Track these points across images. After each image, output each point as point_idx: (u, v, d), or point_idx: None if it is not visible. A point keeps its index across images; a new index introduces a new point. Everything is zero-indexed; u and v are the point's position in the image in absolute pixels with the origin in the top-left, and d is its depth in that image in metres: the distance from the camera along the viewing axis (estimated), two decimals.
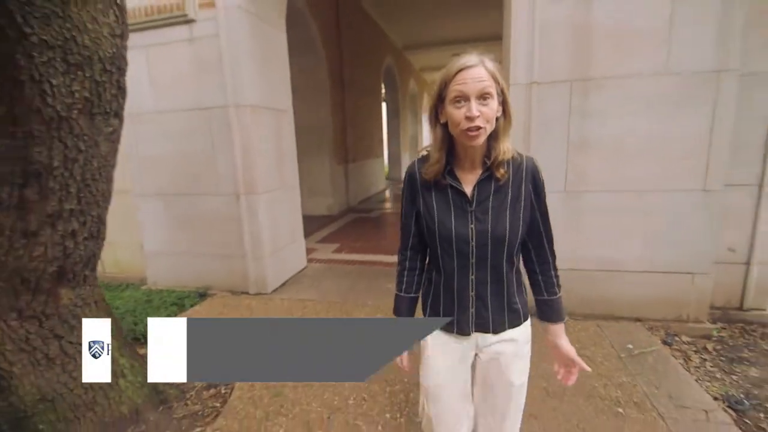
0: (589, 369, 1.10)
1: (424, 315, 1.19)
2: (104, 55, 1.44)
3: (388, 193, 10.42)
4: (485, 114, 0.92)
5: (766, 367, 2.33)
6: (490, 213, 1.02)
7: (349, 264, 4.42)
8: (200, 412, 2.07)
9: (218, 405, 2.10)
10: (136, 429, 1.91)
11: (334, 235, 5.78)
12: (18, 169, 1.39)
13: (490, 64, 0.93)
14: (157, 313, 3.17)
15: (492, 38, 9.45)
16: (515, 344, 1.10)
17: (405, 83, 13.10)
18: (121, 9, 1.50)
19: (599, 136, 2.62)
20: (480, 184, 1.02)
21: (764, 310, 2.86)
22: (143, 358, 2.07)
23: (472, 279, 1.06)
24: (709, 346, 2.56)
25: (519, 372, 1.12)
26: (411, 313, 1.22)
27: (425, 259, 1.21)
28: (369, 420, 1.91)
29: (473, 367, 1.17)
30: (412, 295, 1.21)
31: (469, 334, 1.10)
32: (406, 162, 14.05)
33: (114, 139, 1.65)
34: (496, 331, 1.09)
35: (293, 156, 4.03)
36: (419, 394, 1.23)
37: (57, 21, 1.26)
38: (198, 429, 1.93)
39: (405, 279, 1.20)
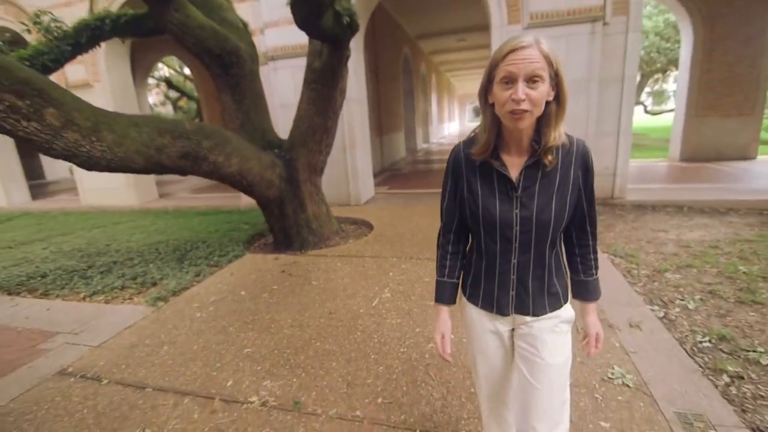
0: (595, 353, 1.14)
1: (464, 292, 1.20)
2: (346, 86, 4.19)
3: (408, 159, 13.14)
4: (532, 97, 0.88)
5: (611, 218, 5.10)
6: (536, 198, 1.00)
7: (399, 194, 7.22)
8: (359, 233, 4.91)
9: (366, 233, 4.92)
10: (337, 235, 4.75)
11: (381, 182, 8.58)
12: (321, 128, 4.16)
13: (545, 46, 0.89)
14: None
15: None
16: (552, 321, 1.09)
17: (417, 67, 15.56)
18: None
19: None
20: (527, 169, 1.00)
21: (624, 198, 5.62)
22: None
23: (514, 263, 1.05)
24: None
25: (554, 349, 1.08)
26: (453, 299, 1.21)
27: (467, 242, 1.20)
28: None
29: (512, 340, 1.16)
30: (455, 280, 1.20)
31: (508, 315, 1.10)
32: (419, 134, 16.67)
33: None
34: (536, 314, 1.08)
35: (367, 128, 6.76)
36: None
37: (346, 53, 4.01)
38: (363, 236, 4.75)
39: (448, 263, 1.19)
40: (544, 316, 1.08)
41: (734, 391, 1.91)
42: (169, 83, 15.04)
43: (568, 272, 1.16)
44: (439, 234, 1.21)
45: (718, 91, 8.22)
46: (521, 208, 1.00)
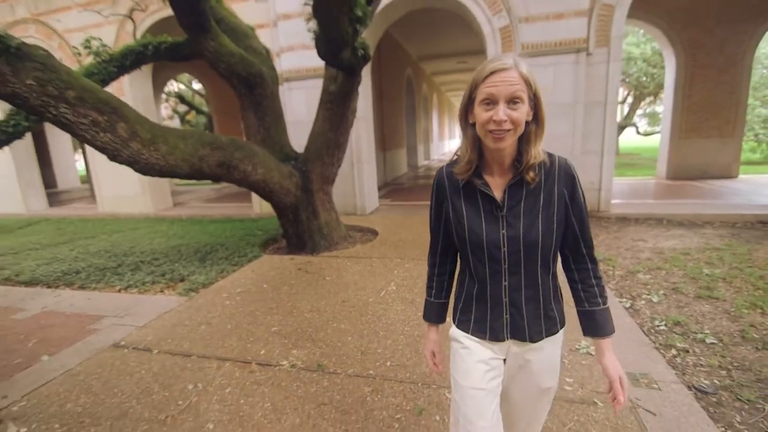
0: (623, 401, 1.01)
1: (454, 320, 1.17)
2: (356, 106, 4.71)
3: (409, 174, 13.68)
4: (514, 118, 0.90)
5: (596, 229, 5.56)
6: (521, 218, 0.99)
7: (401, 206, 7.70)
8: (365, 239, 5.35)
9: (372, 239, 5.37)
10: (346, 240, 5.19)
11: (385, 195, 9.07)
12: (334, 143, 4.66)
13: (524, 68, 0.91)
14: None
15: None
16: (547, 350, 1.08)
17: (419, 87, 16.28)
18: None
19: None
20: (511, 189, 1.00)
21: (609, 211, 6.09)
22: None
23: (505, 285, 1.04)
24: None
25: (550, 375, 1.10)
26: (441, 318, 1.24)
27: (455, 262, 1.20)
28: None
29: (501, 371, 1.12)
30: (442, 300, 1.23)
31: (503, 341, 1.07)
32: (421, 151, 17.28)
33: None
34: (533, 340, 1.05)
35: (372, 145, 7.29)
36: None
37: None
38: (369, 241, 5.20)
39: (435, 284, 1.22)
40: (542, 346, 1.07)
41: (679, 361, 2.34)
42: (182, 98, 15.73)
43: (573, 304, 1.11)
44: (428, 255, 1.24)
45: (699, 114, 8.80)
46: (508, 228, 1.00)
